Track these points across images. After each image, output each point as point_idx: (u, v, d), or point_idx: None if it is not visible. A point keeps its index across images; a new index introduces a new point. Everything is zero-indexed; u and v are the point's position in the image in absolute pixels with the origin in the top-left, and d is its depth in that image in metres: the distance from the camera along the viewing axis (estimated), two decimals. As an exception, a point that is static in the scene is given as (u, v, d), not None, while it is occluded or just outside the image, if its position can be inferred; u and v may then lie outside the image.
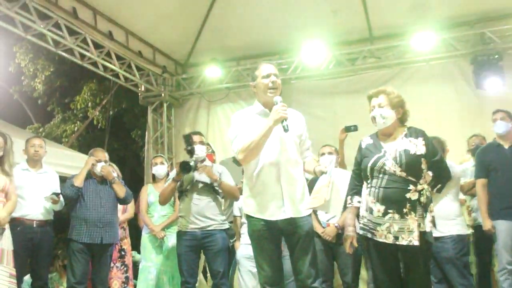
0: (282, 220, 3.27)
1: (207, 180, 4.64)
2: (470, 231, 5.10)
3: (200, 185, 4.65)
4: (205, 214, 4.58)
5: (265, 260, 3.34)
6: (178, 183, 4.67)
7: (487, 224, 4.61)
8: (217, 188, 4.65)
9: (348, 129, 5.45)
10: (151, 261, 5.36)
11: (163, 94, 8.44)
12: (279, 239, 3.40)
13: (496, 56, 6.70)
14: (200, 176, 4.66)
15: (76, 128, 12.50)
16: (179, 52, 8.44)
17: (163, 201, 4.86)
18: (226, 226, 4.74)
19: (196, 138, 4.72)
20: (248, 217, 3.42)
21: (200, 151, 4.66)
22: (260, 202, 3.32)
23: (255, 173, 3.33)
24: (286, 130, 3.16)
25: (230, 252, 4.86)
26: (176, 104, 8.73)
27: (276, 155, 3.28)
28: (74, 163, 6.32)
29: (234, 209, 5.22)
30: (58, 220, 5.26)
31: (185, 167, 4.50)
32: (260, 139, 3.21)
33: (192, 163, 4.51)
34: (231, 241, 4.87)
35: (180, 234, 4.69)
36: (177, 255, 4.73)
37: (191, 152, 4.57)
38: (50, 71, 12.67)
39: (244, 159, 3.31)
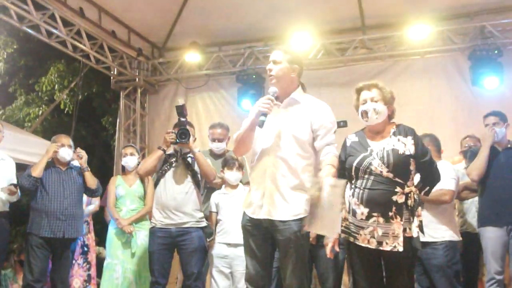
0: (264, 219, 3.28)
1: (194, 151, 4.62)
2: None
3: (182, 167, 4.62)
4: (182, 209, 4.57)
5: (249, 257, 3.38)
6: (165, 154, 4.64)
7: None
8: (198, 175, 4.63)
9: (337, 125, 5.46)
10: (117, 258, 5.32)
11: (137, 79, 8.39)
12: (268, 238, 3.36)
13: (496, 52, 6.75)
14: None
15: (40, 112, 12.34)
16: (157, 34, 8.37)
17: (143, 170, 4.75)
18: (204, 224, 4.72)
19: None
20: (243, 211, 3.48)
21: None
22: (249, 197, 3.39)
23: (250, 166, 3.46)
24: (260, 126, 3.19)
25: (207, 253, 4.84)
26: (151, 90, 8.68)
27: (268, 150, 3.30)
28: (36, 150, 6.24)
29: (211, 204, 5.20)
30: (16, 211, 5.20)
31: (183, 135, 4.45)
32: (244, 132, 3.32)
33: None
34: (208, 240, 4.85)
35: (153, 231, 4.67)
36: (148, 253, 4.71)
37: (183, 124, 4.53)
38: (13, 49, 12.45)
39: (234, 151, 3.53)
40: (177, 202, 4.57)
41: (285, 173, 3.27)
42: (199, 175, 4.69)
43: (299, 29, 7.24)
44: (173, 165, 4.65)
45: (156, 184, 4.73)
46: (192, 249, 4.58)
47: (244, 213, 3.42)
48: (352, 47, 7.51)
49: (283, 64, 3.38)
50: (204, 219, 4.73)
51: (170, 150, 4.72)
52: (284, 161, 3.28)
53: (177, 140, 4.50)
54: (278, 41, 7.65)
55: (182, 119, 4.51)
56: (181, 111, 4.51)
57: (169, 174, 4.64)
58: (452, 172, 4.69)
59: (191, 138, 4.59)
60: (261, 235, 3.35)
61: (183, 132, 4.47)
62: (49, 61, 12.52)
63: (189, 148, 4.59)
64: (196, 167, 4.69)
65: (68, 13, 6.84)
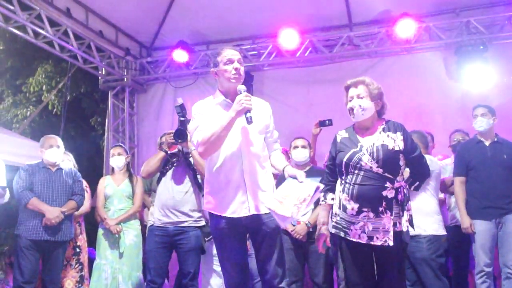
0: (246, 217, 3.26)
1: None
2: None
3: (183, 166, 4.61)
4: (180, 208, 4.55)
5: (229, 261, 3.35)
6: (167, 154, 4.62)
7: (465, 222, 4.70)
8: (199, 175, 4.61)
9: (322, 124, 5.49)
10: (105, 259, 5.32)
11: (125, 79, 8.33)
12: (244, 237, 3.40)
13: (481, 47, 6.79)
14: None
15: (28, 113, 12.27)
16: (144, 34, 8.33)
17: (146, 172, 4.70)
18: (202, 223, 4.68)
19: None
20: (210, 214, 3.40)
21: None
22: (222, 198, 3.30)
23: (216, 167, 3.31)
24: (249, 122, 3.16)
25: (204, 252, 4.81)
26: (139, 89, 8.63)
27: (239, 147, 3.27)
28: (25, 151, 6.21)
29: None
30: (6, 213, 5.17)
31: (180, 134, 4.42)
32: (221, 132, 3.19)
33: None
34: (206, 239, 4.82)
35: (151, 229, 4.67)
36: (146, 251, 4.70)
37: (184, 123, 4.49)
38: (-1, 50, 12.39)
39: (204, 152, 3.29)
40: (176, 201, 4.55)
41: (259, 167, 3.31)
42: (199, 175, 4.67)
43: (286, 26, 7.23)
44: (175, 164, 4.64)
45: (157, 183, 4.71)
46: (189, 248, 4.56)
47: (217, 216, 3.32)
48: (340, 44, 7.51)
49: (242, 65, 3.40)
50: (202, 219, 4.69)
51: (175, 150, 4.70)
52: (256, 157, 3.31)
53: (174, 140, 4.49)
54: (266, 39, 7.67)
55: (182, 118, 4.49)
56: (180, 110, 4.50)
57: (170, 173, 4.63)
58: (436, 166, 4.75)
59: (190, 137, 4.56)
60: (239, 235, 3.34)
61: (179, 132, 4.45)
62: (36, 62, 12.43)
63: (186, 147, 4.57)
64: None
65: (54, 13, 6.77)
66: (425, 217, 4.57)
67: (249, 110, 3.16)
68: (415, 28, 6.97)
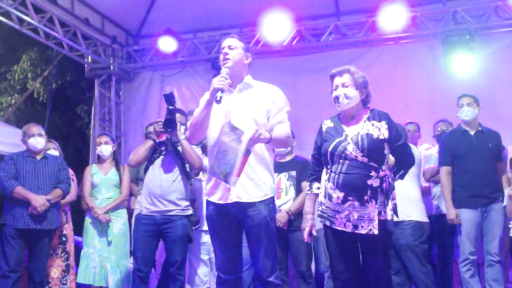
0: (232, 204, 3.28)
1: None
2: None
3: (171, 155, 4.61)
4: (167, 197, 4.54)
5: (218, 246, 3.40)
6: (155, 143, 4.62)
7: (451, 214, 4.75)
8: (187, 164, 4.62)
9: None
10: (93, 247, 5.33)
11: (111, 67, 8.28)
12: (234, 224, 3.38)
13: (468, 37, 6.84)
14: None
15: (13, 101, 12.17)
16: (131, 22, 8.28)
17: (134, 161, 4.69)
18: (189, 212, 4.69)
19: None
20: (206, 200, 3.47)
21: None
22: (212, 183, 3.35)
23: (208, 152, 3.39)
24: (218, 102, 3.18)
25: (191, 241, 4.81)
26: (126, 78, 8.58)
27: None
28: (10, 140, 6.17)
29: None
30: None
31: (169, 123, 4.41)
32: (200, 115, 3.28)
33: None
34: (194, 228, 4.84)
35: (138, 217, 4.67)
36: (133, 240, 4.71)
37: (172, 112, 4.49)
38: (-18, 36, 12.24)
39: (190, 136, 3.44)
40: (163, 190, 4.55)
41: (251, 154, 3.27)
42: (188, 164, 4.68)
43: (273, 15, 7.21)
44: (163, 153, 4.64)
45: (145, 172, 4.71)
46: (176, 237, 4.55)
47: (208, 202, 3.40)
48: (327, 33, 7.51)
49: (238, 49, 3.44)
50: (190, 208, 4.70)
51: (163, 138, 4.69)
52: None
53: (163, 129, 4.48)
54: (253, 27, 7.64)
55: (170, 107, 4.48)
56: (168, 99, 4.49)
57: (158, 162, 4.62)
58: (417, 153, 4.81)
59: (179, 126, 4.56)
60: (228, 223, 3.35)
61: (168, 120, 4.44)
62: (21, 49, 12.31)
63: (175, 136, 4.56)
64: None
65: (39, -1, 6.72)
66: (409, 203, 4.60)
67: (221, 90, 3.18)
68: (402, 17, 6.98)
